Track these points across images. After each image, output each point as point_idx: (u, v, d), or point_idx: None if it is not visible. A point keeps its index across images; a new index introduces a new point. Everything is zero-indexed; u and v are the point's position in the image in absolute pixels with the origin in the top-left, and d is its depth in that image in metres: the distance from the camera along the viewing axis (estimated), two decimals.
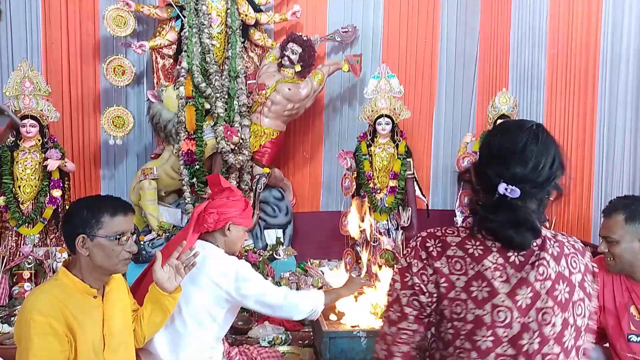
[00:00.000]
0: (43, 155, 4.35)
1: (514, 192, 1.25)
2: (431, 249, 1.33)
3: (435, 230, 1.38)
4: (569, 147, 4.29)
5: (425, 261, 1.33)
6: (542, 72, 4.68)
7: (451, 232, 1.35)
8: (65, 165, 4.40)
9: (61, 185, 4.42)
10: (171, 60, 4.92)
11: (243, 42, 4.87)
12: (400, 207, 4.59)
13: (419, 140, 5.54)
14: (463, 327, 1.28)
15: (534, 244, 1.29)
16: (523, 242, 1.27)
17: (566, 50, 4.41)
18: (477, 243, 1.30)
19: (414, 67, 5.53)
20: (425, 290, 1.32)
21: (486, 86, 5.51)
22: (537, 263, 1.27)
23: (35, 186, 4.36)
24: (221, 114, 4.56)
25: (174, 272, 2.06)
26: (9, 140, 4.27)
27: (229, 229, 2.33)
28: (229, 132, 4.48)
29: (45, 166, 4.30)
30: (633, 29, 3.85)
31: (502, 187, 1.26)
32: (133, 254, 1.93)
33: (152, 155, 4.98)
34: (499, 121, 4.50)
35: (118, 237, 1.85)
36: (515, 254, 1.28)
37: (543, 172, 1.28)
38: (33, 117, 4.31)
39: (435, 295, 1.31)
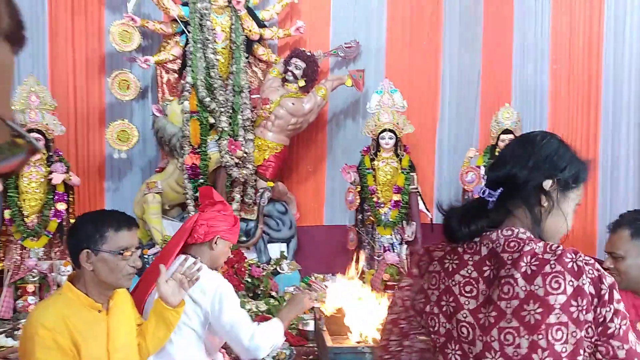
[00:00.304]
0: (48, 168, 4.38)
1: (490, 195, 1.24)
2: (422, 264, 1.34)
3: (429, 245, 1.37)
4: None
5: (415, 278, 1.34)
6: (545, 87, 4.70)
7: (440, 247, 1.34)
8: (70, 179, 4.43)
9: (66, 198, 4.45)
10: (176, 75, 4.96)
11: (247, 57, 4.92)
12: (404, 221, 4.59)
13: (422, 154, 5.55)
14: (438, 340, 1.28)
15: (509, 258, 1.22)
16: (453, 231, 1.25)
17: (569, 65, 4.43)
18: (455, 257, 1.28)
19: (417, 82, 5.55)
20: (409, 305, 1.33)
21: (489, 101, 5.52)
22: (503, 281, 1.21)
23: (40, 199, 4.38)
24: (225, 128, 4.59)
25: (178, 286, 2.06)
26: None
27: (215, 243, 2.32)
28: (232, 146, 4.51)
29: (50, 179, 4.33)
30: (635, 43, 3.88)
31: (479, 190, 1.25)
32: (137, 268, 1.93)
33: (157, 169, 5.00)
34: (502, 136, 4.52)
35: (122, 252, 1.85)
36: (492, 268, 1.24)
37: (520, 174, 1.24)
38: (39, 131, 4.34)
39: (417, 310, 1.32)
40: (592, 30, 4.23)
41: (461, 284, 1.25)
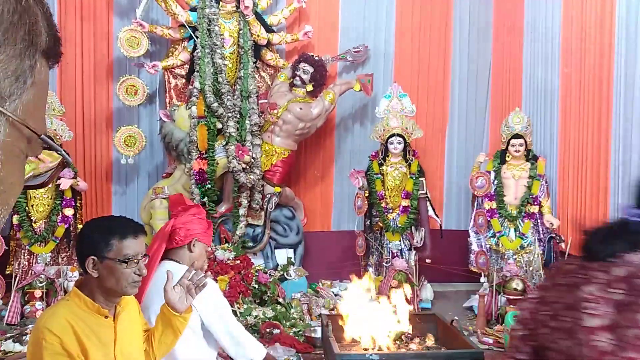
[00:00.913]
0: None
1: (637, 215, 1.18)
2: (552, 277, 1.32)
3: (564, 260, 1.36)
4: (584, 166, 4.23)
5: (543, 290, 1.33)
6: (555, 91, 4.65)
7: (571, 261, 1.30)
8: (77, 184, 4.42)
9: (73, 204, 4.45)
10: (183, 80, 4.96)
11: (255, 62, 4.90)
12: (413, 227, 4.54)
13: (431, 160, 5.51)
14: (553, 356, 1.25)
15: None
16: (591, 250, 1.20)
17: (580, 69, 4.39)
18: (585, 273, 1.24)
19: (426, 86, 5.53)
20: (532, 317, 1.31)
21: (499, 105, 5.49)
22: (634, 307, 1.14)
23: (48, 205, 4.38)
24: (233, 134, 4.57)
25: (185, 293, 2.07)
26: None
27: (194, 245, 2.40)
28: (240, 151, 4.49)
29: (58, 185, 4.32)
30: None
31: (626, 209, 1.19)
32: (143, 276, 1.92)
33: (164, 174, 4.99)
34: (512, 141, 4.47)
35: (127, 260, 1.85)
36: (625, 291, 1.16)
37: None
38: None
39: (539, 321, 1.29)
40: (603, 34, 4.19)
41: (585, 301, 1.20)
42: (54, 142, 0.64)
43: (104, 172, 5.22)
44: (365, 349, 2.70)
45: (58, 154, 0.69)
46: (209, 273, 2.34)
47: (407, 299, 4.27)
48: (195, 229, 2.40)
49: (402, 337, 2.87)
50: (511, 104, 5.13)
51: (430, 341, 2.93)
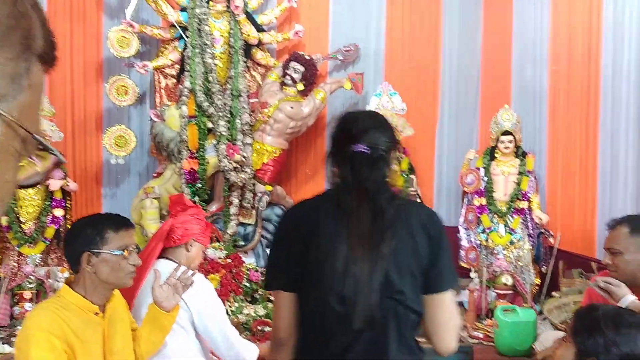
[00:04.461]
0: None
1: None
2: None
3: None
4: (572, 161, 4.27)
5: None
6: (544, 89, 4.70)
7: None
8: (67, 185, 4.40)
9: (63, 204, 4.42)
10: (174, 80, 4.95)
11: (245, 62, 4.91)
12: None
13: (422, 157, 5.53)
14: None
15: None
16: None
17: (568, 67, 4.43)
18: None
19: (416, 84, 5.54)
20: None
21: (489, 103, 5.50)
22: None
23: (38, 206, 4.35)
24: (224, 133, 4.57)
25: (172, 291, 2.10)
26: None
27: (191, 245, 2.44)
28: (231, 151, 4.49)
29: (47, 186, 4.30)
30: (634, 44, 3.87)
31: None
32: (137, 267, 1.97)
33: (154, 174, 4.98)
34: (502, 137, 4.50)
35: (123, 250, 1.90)
36: None
37: None
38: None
39: None
40: (590, 32, 4.23)
41: None
42: (46, 142, 0.66)
43: (94, 173, 5.19)
44: None
45: (51, 153, 0.72)
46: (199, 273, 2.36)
47: None
48: (193, 229, 2.45)
49: None
50: (500, 102, 5.16)
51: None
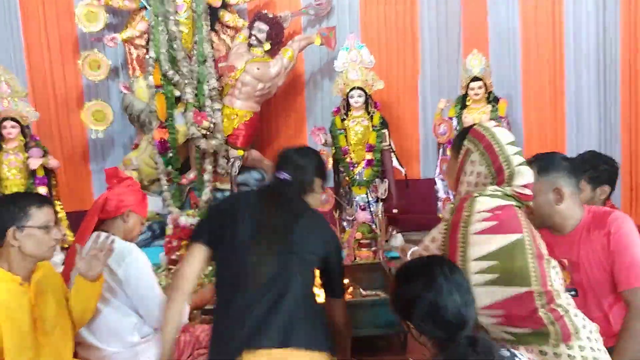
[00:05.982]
0: (26, 154, 4.48)
1: None
2: None
3: None
4: (544, 107, 4.12)
5: None
6: (516, 32, 4.50)
7: None
8: (48, 163, 4.52)
9: (46, 182, 4.55)
10: (144, 51, 4.95)
11: (209, 26, 4.83)
12: (377, 179, 4.51)
13: (405, 109, 5.40)
14: None
15: None
16: None
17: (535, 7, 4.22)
18: None
19: (395, 35, 5.36)
20: None
21: (471, 50, 5.28)
22: None
23: (22, 185, 4.49)
24: (190, 100, 4.57)
25: (95, 261, 2.15)
26: None
27: (127, 216, 2.43)
28: (198, 117, 4.50)
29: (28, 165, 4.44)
30: None
31: None
32: (59, 240, 2.05)
33: (132, 146, 5.06)
34: (471, 84, 4.33)
35: (46, 226, 1.99)
36: None
37: None
38: (13, 119, 4.44)
39: None
40: None
41: None
42: None
43: (80, 149, 5.32)
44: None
45: None
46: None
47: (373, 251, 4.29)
48: (128, 201, 2.45)
49: None
50: (480, 48, 4.93)
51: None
